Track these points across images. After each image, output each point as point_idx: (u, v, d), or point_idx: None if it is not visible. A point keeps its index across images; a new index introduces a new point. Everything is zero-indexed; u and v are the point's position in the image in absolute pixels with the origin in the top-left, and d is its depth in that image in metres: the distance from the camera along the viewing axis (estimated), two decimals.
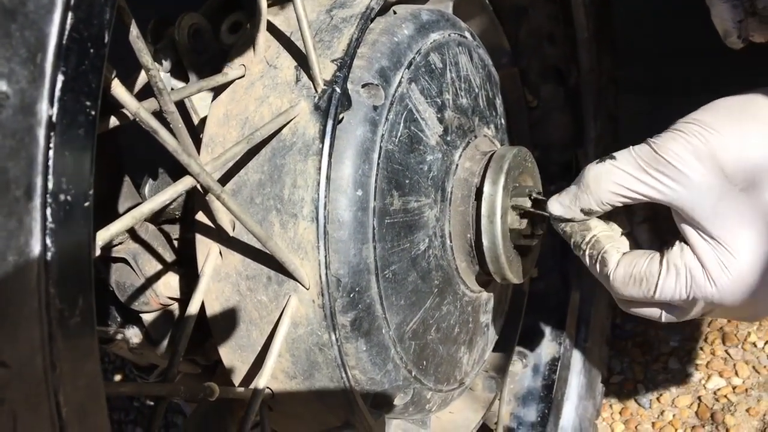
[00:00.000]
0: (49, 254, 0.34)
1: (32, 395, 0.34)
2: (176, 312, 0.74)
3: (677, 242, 0.63)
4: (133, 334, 0.77)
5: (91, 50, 0.37)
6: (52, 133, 0.35)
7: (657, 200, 0.62)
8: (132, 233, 0.70)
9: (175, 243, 0.73)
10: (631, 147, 0.63)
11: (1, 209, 0.32)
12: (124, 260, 0.71)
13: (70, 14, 0.36)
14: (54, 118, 0.35)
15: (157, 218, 0.73)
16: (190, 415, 0.69)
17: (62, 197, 0.35)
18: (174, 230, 0.73)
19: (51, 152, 0.35)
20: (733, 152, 0.58)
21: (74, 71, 0.36)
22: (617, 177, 0.62)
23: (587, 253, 0.68)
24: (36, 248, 0.34)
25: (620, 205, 0.65)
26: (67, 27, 0.35)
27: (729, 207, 0.59)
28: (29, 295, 0.34)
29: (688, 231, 0.62)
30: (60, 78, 0.35)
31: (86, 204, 0.37)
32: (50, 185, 0.35)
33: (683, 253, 0.62)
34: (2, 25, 0.32)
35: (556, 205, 0.68)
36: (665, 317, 0.67)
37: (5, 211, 0.32)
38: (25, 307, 0.33)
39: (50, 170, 0.35)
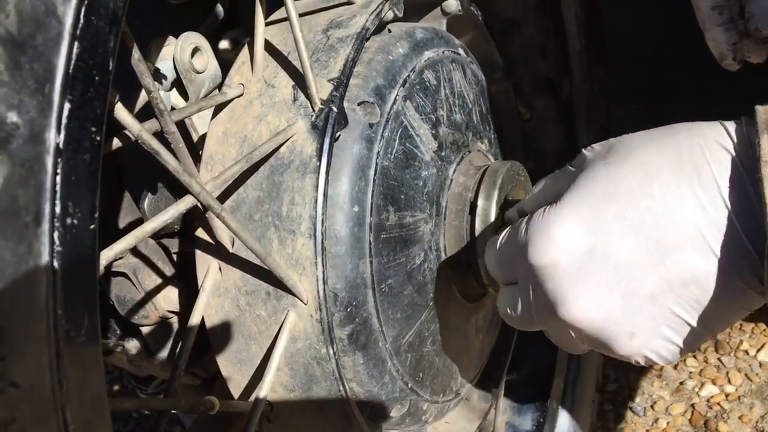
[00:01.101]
0: (56, 277, 0.36)
1: (41, 413, 0.35)
2: (175, 325, 0.75)
3: None
4: (133, 347, 0.78)
5: (96, 78, 0.38)
6: (59, 160, 0.36)
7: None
8: (132, 248, 0.71)
9: (175, 257, 0.74)
10: None
11: (11, 235, 0.33)
12: (124, 274, 0.72)
13: (76, 44, 0.37)
14: (61, 145, 0.36)
15: (157, 233, 0.74)
16: (190, 427, 0.70)
17: (69, 221, 0.37)
18: (173, 244, 0.74)
19: (58, 178, 0.36)
20: (619, 139, 0.57)
21: (80, 99, 0.37)
22: (550, 176, 0.64)
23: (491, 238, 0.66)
24: (44, 272, 0.35)
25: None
26: (74, 57, 0.37)
27: (587, 175, 0.56)
28: (38, 317, 0.35)
29: None
30: (67, 106, 0.36)
31: (92, 226, 0.38)
32: (57, 210, 0.36)
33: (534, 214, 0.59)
34: (12, 57, 0.33)
35: (511, 209, 0.70)
36: (518, 303, 0.61)
37: (16, 237, 0.33)
38: (34, 328, 0.35)
39: (57, 195, 0.36)
